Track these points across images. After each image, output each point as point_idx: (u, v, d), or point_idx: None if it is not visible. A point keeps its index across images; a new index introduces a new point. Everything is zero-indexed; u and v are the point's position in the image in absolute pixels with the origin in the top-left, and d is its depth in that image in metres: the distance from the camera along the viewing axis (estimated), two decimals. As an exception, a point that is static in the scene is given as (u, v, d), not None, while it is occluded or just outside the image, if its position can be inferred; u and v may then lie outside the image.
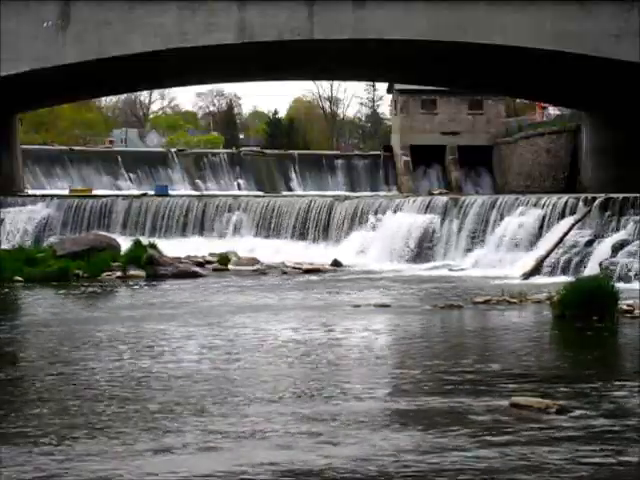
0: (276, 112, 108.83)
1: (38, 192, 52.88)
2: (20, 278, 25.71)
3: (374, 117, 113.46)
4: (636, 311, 18.21)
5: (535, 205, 30.15)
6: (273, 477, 7.98)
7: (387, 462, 8.33)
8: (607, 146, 45.88)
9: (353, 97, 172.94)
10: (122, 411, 10.20)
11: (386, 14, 34.67)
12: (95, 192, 55.08)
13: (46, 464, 8.25)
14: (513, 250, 29.09)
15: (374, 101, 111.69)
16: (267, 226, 35.93)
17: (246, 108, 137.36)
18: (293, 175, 72.39)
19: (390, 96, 75.59)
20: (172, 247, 31.63)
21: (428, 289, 23.88)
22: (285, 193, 62.16)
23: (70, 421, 9.77)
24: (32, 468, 8.14)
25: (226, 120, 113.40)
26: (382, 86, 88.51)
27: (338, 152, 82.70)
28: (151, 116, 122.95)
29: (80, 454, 8.55)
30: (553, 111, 66.99)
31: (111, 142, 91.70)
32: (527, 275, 26.13)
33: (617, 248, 25.57)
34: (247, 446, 8.86)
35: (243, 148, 79.30)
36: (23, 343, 15.49)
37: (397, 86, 67.49)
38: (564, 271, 25.91)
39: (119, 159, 70.02)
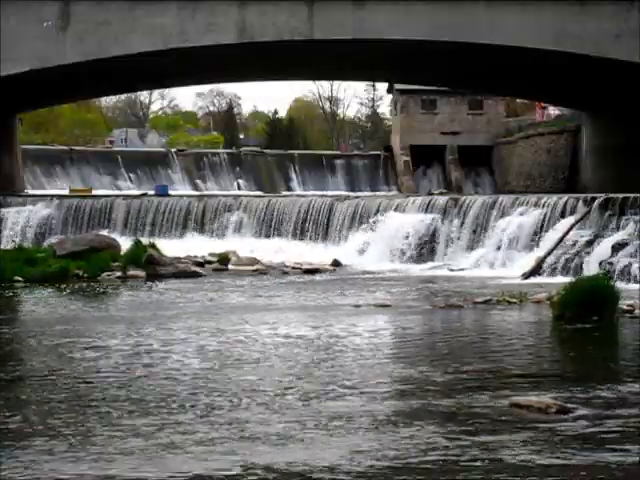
0: (276, 112, 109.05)
1: (38, 192, 52.93)
2: (20, 278, 25.69)
3: (374, 117, 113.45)
4: (636, 311, 18.22)
5: (535, 205, 30.14)
6: (273, 477, 7.99)
7: (386, 461, 8.34)
8: (607, 146, 45.90)
9: (353, 97, 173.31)
10: (118, 411, 10.21)
11: (386, 14, 34.66)
12: (95, 192, 55.14)
13: (40, 464, 8.26)
14: (513, 250, 29.08)
15: (374, 101, 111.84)
16: (267, 226, 35.92)
17: (246, 108, 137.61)
18: (293, 175, 72.46)
19: (390, 96, 75.66)
20: (172, 247, 31.63)
21: (428, 289, 23.88)
22: (285, 193, 62.15)
23: (67, 421, 9.78)
24: (27, 468, 8.15)
25: (226, 120, 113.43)
26: (382, 86, 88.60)
27: (338, 152, 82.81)
28: (151, 116, 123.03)
29: (76, 454, 8.57)
30: (553, 111, 67.04)
31: (111, 142, 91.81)
32: (527, 275, 26.12)
33: (617, 248, 25.57)
34: (245, 446, 8.86)
35: (243, 148, 79.33)
36: (23, 343, 15.49)
37: (397, 86, 67.51)
38: (564, 271, 25.89)
39: (119, 159, 70.07)
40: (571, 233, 27.43)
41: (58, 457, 8.48)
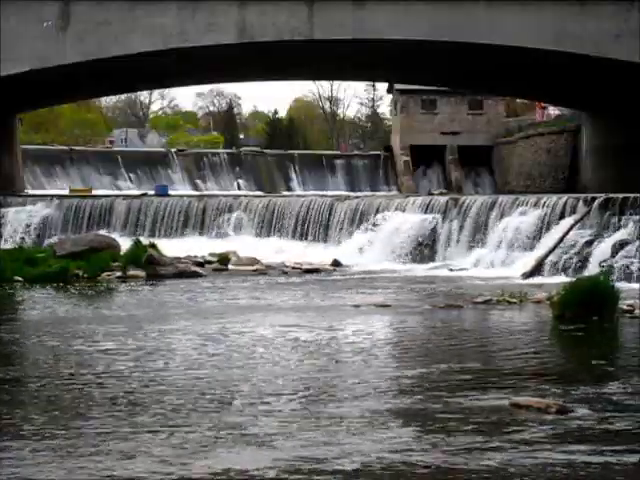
0: (276, 112, 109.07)
1: (38, 192, 52.94)
2: (20, 278, 25.68)
3: (374, 117, 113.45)
4: (636, 311, 18.22)
5: (535, 205, 30.14)
6: (276, 476, 7.99)
7: (386, 461, 8.33)
8: (607, 146, 45.90)
9: (353, 97, 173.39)
10: (108, 411, 10.21)
11: (386, 14, 34.66)
12: (95, 192, 55.15)
13: (38, 464, 8.26)
14: (513, 250, 29.09)
15: (374, 101, 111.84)
16: (267, 226, 35.95)
17: (246, 108, 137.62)
18: (293, 175, 72.46)
19: (390, 96, 75.65)
20: (172, 247, 31.63)
21: (428, 289, 23.88)
22: (285, 193, 62.17)
23: (66, 421, 9.78)
24: (25, 468, 8.15)
25: (226, 120, 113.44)
26: (382, 86, 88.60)
27: (338, 152, 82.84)
28: (151, 116, 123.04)
29: (73, 454, 8.57)
30: (553, 111, 67.03)
31: (111, 142, 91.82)
32: (527, 275, 26.13)
33: (617, 248, 25.57)
34: (246, 446, 8.86)
35: (243, 148, 79.33)
36: (23, 343, 15.48)
37: (397, 86, 67.51)
38: (564, 271, 25.91)
39: (119, 159, 70.08)
40: (571, 233, 27.43)
41: (37, 458, 8.46)
